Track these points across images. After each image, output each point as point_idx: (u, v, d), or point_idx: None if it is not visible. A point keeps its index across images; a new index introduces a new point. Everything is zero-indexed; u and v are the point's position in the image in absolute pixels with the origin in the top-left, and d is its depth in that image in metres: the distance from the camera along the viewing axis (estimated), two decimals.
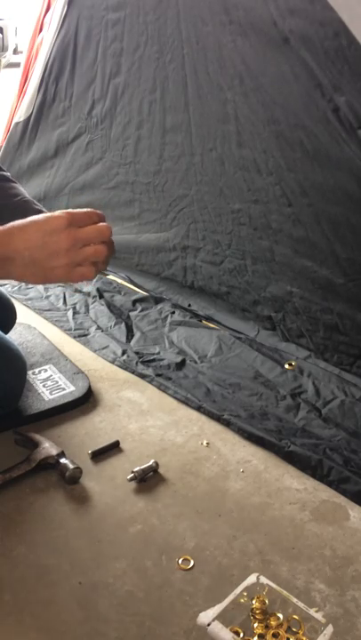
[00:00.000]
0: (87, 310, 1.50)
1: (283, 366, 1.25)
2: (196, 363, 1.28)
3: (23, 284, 1.58)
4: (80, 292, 1.49)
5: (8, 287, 1.57)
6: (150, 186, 1.49)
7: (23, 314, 1.51)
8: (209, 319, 1.44)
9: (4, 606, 0.75)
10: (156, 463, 0.97)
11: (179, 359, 1.28)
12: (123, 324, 1.43)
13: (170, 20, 1.27)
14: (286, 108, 1.11)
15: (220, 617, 0.71)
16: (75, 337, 1.40)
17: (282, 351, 1.30)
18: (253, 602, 0.73)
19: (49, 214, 0.80)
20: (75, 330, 1.42)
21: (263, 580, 0.77)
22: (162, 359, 1.29)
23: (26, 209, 1.13)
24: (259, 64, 1.12)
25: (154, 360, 1.29)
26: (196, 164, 1.35)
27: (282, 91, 1.10)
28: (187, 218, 1.44)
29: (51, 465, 0.97)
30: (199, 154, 1.33)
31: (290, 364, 1.25)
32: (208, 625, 0.70)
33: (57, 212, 0.80)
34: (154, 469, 0.97)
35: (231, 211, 1.31)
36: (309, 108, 1.06)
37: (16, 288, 1.61)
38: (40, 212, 1.30)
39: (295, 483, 0.96)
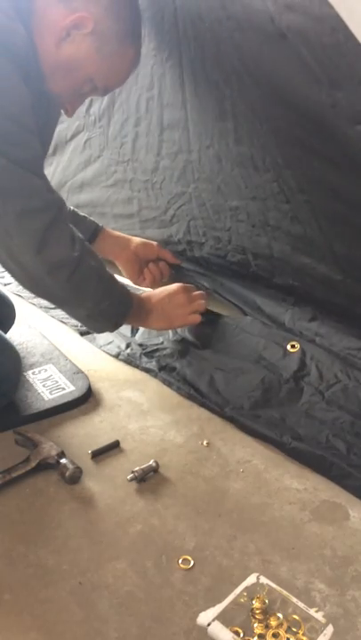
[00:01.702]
0: None
1: (286, 349, 1.23)
2: (199, 349, 1.29)
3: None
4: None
5: (13, 286, 1.56)
6: (148, 183, 1.48)
7: (29, 312, 1.51)
8: (214, 291, 1.40)
9: (3, 606, 0.75)
10: (157, 463, 0.97)
11: (181, 347, 1.29)
12: None
13: (167, 17, 1.26)
14: (284, 105, 1.10)
15: (220, 617, 0.71)
16: (81, 334, 1.41)
17: (286, 332, 1.27)
18: (253, 602, 0.73)
19: (172, 286, 1.23)
20: (81, 326, 1.42)
21: (263, 580, 0.77)
22: (165, 348, 1.30)
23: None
24: (256, 60, 1.11)
25: (157, 350, 1.30)
26: (193, 161, 1.34)
27: (279, 87, 1.09)
28: (186, 215, 1.43)
29: (51, 465, 0.97)
30: (197, 151, 1.32)
31: (292, 346, 1.23)
32: (208, 625, 0.71)
33: (177, 284, 1.23)
34: (154, 469, 0.97)
35: (229, 208, 1.31)
36: (307, 104, 1.05)
37: (21, 287, 1.61)
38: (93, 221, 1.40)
39: (295, 482, 0.95)
